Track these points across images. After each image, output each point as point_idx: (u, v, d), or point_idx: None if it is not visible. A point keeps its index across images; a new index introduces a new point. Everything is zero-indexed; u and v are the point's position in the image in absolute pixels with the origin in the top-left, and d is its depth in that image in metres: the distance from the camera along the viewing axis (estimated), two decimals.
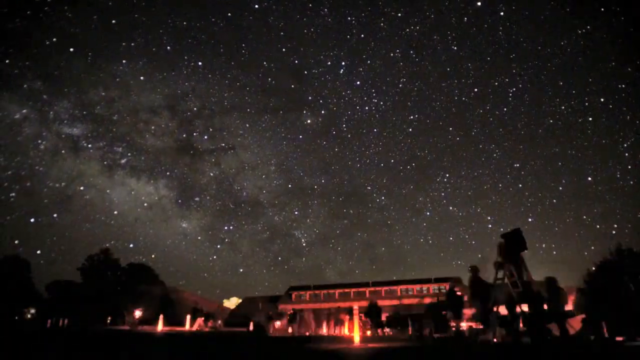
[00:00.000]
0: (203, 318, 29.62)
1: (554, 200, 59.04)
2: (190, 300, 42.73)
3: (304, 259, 73.57)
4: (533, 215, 60.71)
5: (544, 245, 58.02)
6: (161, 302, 34.59)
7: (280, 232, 73.45)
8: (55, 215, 59.07)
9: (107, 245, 60.74)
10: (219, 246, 69.72)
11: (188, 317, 25.79)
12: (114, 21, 57.99)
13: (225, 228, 67.35)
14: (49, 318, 31.34)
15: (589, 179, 53.55)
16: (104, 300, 32.82)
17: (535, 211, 61.82)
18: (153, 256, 65.92)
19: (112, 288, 34.92)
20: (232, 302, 56.44)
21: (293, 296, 45.01)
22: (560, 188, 58.25)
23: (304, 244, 68.03)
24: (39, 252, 57.90)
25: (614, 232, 49.58)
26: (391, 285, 43.32)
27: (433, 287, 41.71)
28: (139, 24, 64.98)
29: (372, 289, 43.51)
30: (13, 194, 53.93)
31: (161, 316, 21.14)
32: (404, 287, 42.71)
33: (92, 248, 71.07)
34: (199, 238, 71.14)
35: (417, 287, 42.32)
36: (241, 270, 69.95)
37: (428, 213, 66.16)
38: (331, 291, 44.50)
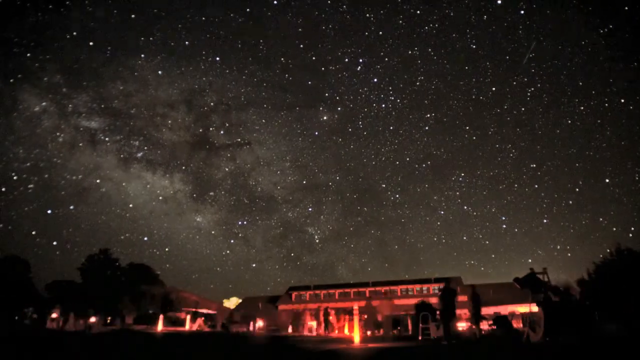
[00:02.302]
0: (203, 318, 29.63)
1: (570, 202, 58.56)
2: (190, 300, 42.75)
3: (316, 255, 73.59)
4: (548, 216, 60.16)
5: (558, 247, 57.76)
6: (161, 302, 34.62)
7: (293, 228, 73.48)
8: (71, 207, 59.57)
9: (122, 237, 61.58)
10: (232, 241, 69.60)
11: (188, 317, 25.81)
12: (133, 16, 58.44)
13: (239, 223, 67.46)
14: (48, 318, 31.26)
15: (607, 180, 52.79)
16: (104, 300, 32.80)
17: (550, 212, 61.14)
18: (167, 249, 65.85)
19: (112, 288, 34.87)
20: (232, 302, 56.46)
21: (293, 296, 45.02)
22: (577, 189, 57.62)
23: (317, 241, 68.05)
24: (55, 243, 58.79)
25: (630, 235, 49.02)
26: (391, 285, 43.35)
27: (433, 287, 41.74)
28: (158, 18, 65.10)
29: (372, 288, 43.52)
30: (31, 186, 54.71)
31: (161, 316, 21.17)
32: (404, 287, 42.74)
33: (107, 240, 71.85)
34: (213, 232, 71.05)
35: (417, 287, 42.35)
36: (254, 265, 69.93)
37: (442, 212, 65.90)
38: (331, 291, 44.52)
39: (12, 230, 55.43)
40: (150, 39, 61.66)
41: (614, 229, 54.11)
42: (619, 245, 22.22)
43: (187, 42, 61.70)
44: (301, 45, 68.44)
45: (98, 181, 58.79)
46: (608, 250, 22.42)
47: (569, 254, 54.20)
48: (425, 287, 42.17)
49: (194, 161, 69.21)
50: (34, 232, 53.92)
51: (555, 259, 52.72)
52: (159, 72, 60.82)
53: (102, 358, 5.30)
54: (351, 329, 17.08)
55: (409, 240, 69.51)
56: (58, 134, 56.32)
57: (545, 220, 58.96)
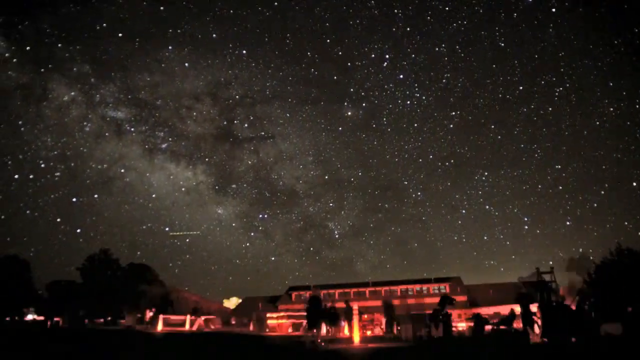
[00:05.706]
0: (203, 318, 29.61)
1: (595, 205, 57.38)
2: (190, 300, 42.74)
3: (336, 250, 73.53)
4: (572, 218, 58.79)
5: (580, 250, 56.58)
6: (161, 302, 34.59)
7: (314, 222, 73.84)
8: (95, 196, 60.26)
9: (144, 227, 61.80)
10: (252, 234, 69.63)
11: (188, 317, 25.81)
12: (162, 8, 59.16)
13: (260, 216, 67.76)
14: (48, 318, 31.26)
15: (634, 184, 51.73)
16: (104, 300, 32.78)
17: (574, 214, 59.51)
18: (187, 240, 65.95)
19: (112, 288, 34.84)
20: (232, 302, 56.39)
21: (293, 296, 44.98)
22: (602, 192, 56.20)
23: (336, 236, 68.03)
24: (78, 230, 59.13)
25: None
26: (391, 286, 43.32)
27: (433, 288, 41.72)
28: (186, 11, 66.06)
29: (371, 289, 43.50)
30: (58, 174, 55.63)
31: (161, 316, 21.16)
32: (404, 287, 42.70)
33: (130, 229, 72.47)
34: (234, 225, 71.43)
35: (417, 287, 42.32)
36: (273, 258, 69.96)
37: (463, 211, 65.04)
38: (331, 291, 44.45)
39: (37, 216, 56.01)
40: (178, 31, 62.72)
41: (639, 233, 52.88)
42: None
43: (214, 35, 62.23)
44: (328, 40, 68.84)
45: (122, 171, 59.58)
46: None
47: (591, 257, 53.16)
48: (425, 287, 42.14)
49: (217, 153, 70.18)
50: (58, 220, 54.59)
51: (577, 262, 51.63)
52: (186, 64, 61.67)
53: None
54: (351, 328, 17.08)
55: (428, 239, 69.22)
56: (85, 123, 58.19)
57: (568, 223, 57.94)
